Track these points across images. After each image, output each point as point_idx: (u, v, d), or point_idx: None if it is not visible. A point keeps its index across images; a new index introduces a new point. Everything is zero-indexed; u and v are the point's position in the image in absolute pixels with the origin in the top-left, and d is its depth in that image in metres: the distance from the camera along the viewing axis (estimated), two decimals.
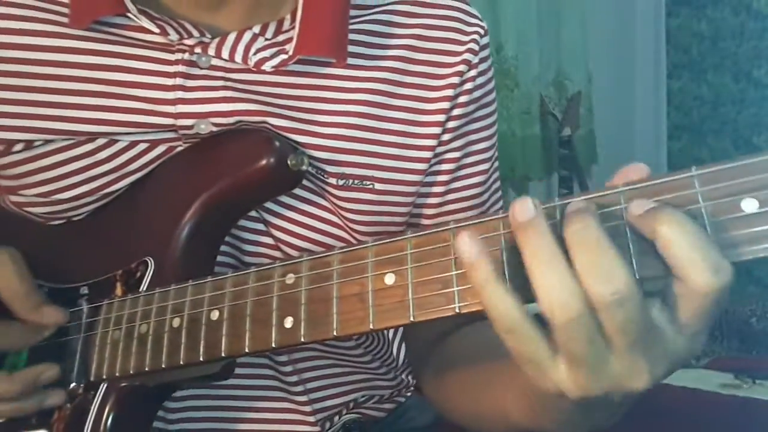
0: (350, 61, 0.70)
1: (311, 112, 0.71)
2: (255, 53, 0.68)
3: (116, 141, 0.69)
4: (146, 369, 0.64)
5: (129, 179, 0.71)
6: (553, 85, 2.84)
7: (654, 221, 0.44)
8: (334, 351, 0.80)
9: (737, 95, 3.16)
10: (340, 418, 0.82)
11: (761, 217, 0.44)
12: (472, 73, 0.75)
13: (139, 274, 0.69)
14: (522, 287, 0.47)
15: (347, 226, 0.74)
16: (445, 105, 0.74)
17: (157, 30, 0.67)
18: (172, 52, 0.68)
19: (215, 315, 0.62)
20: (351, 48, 0.71)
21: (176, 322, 0.63)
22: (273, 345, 0.58)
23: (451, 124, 0.75)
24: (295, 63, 0.68)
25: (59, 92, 0.69)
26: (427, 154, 0.75)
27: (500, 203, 0.84)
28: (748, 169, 0.44)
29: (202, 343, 0.62)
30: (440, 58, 0.75)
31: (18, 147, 0.70)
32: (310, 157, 0.70)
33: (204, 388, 0.75)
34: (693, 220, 0.44)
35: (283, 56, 0.68)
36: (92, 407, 0.67)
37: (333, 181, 0.72)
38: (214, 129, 0.69)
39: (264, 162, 0.67)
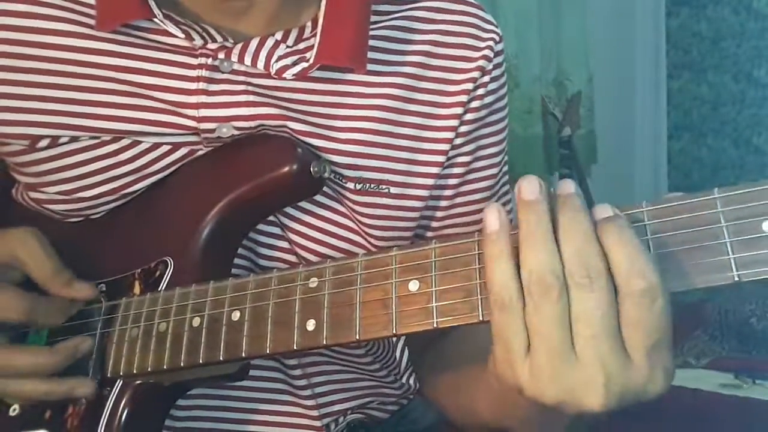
0: (369, 67, 0.72)
1: (330, 117, 0.72)
2: (276, 60, 0.69)
3: (139, 142, 0.71)
4: (164, 367, 0.64)
5: (149, 180, 0.72)
6: (553, 85, 2.84)
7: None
8: (343, 357, 0.81)
9: (737, 95, 3.16)
10: (344, 418, 0.82)
11: None
12: (486, 79, 0.77)
13: (158, 273, 0.70)
14: None
15: (363, 231, 0.75)
16: (459, 110, 0.76)
17: (182, 35, 0.68)
18: (195, 56, 0.69)
19: (236, 315, 0.62)
20: (370, 54, 0.72)
21: (196, 322, 0.64)
22: (294, 347, 0.59)
23: (463, 129, 0.76)
24: (315, 70, 0.69)
25: (85, 90, 0.70)
26: (440, 159, 0.76)
27: (509, 206, 0.85)
28: None
29: (222, 342, 0.62)
30: (456, 64, 0.76)
31: (43, 143, 0.71)
32: (329, 162, 0.71)
33: (214, 388, 0.76)
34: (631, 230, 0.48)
35: (304, 64, 0.69)
36: (107, 403, 0.67)
37: (351, 185, 0.73)
38: (236, 133, 0.70)
39: (287, 168, 0.68)
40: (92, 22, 0.70)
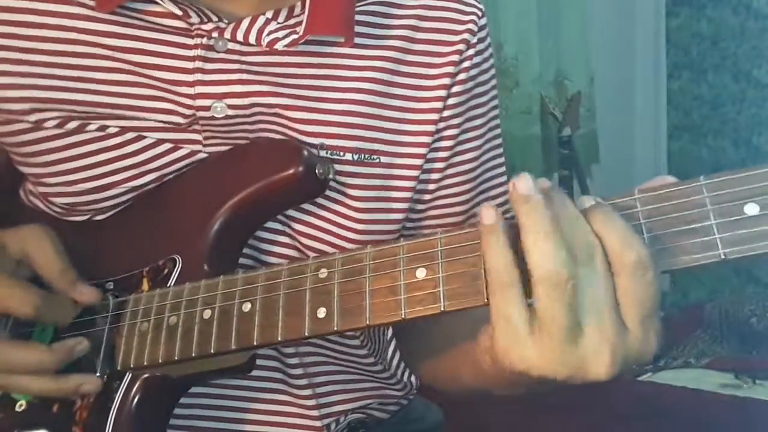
0: (357, 40, 0.75)
1: (321, 89, 0.75)
2: (267, 35, 0.72)
3: (143, 137, 0.73)
4: (176, 357, 0.66)
5: (151, 176, 0.74)
6: (553, 85, 2.85)
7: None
8: (346, 358, 0.82)
9: (737, 95, 3.16)
10: (345, 418, 0.83)
11: (762, 219, 0.50)
12: (471, 52, 0.80)
13: (166, 270, 0.71)
14: None
15: (352, 215, 0.76)
16: (447, 81, 0.79)
17: (179, 12, 0.70)
18: (192, 37, 0.72)
19: (247, 307, 0.64)
20: (357, 28, 0.75)
21: (207, 314, 0.65)
22: (306, 333, 0.61)
23: (451, 101, 0.79)
24: (305, 43, 0.72)
25: (85, 69, 0.72)
26: (430, 128, 0.78)
27: (502, 179, 0.87)
28: (751, 179, 0.51)
29: (234, 332, 0.64)
30: (441, 37, 0.79)
31: (49, 124, 0.73)
32: (322, 134, 0.74)
33: (219, 387, 0.77)
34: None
35: (294, 36, 0.72)
36: (116, 396, 0.68)
37: (349, 156, 0.75)
38: (230, 112, 0.72)
39: (293, 170, 0.70)
40: (92, 3, 0.72)
